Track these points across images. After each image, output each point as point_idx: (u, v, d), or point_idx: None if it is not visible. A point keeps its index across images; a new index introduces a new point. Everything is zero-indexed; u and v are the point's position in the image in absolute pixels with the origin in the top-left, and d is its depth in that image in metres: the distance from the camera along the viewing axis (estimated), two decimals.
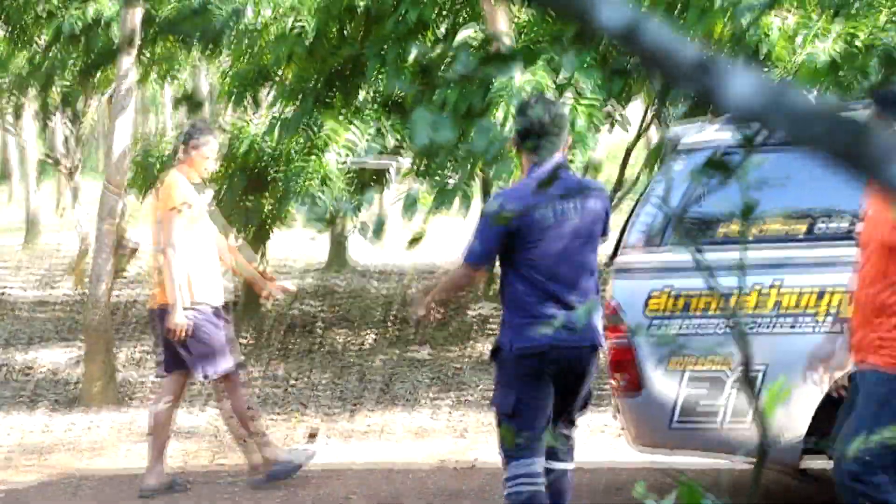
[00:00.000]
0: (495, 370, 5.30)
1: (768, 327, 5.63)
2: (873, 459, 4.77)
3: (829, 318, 5.56)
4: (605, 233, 5.37)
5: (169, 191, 7.03)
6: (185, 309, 6.89)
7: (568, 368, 5.20)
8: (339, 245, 20.35)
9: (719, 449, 5.86)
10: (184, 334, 6.88)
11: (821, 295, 5.59)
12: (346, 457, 7.99)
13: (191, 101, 3.73)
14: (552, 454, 5.35)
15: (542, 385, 5.18)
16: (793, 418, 5.62)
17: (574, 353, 5.18)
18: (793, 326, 5.61)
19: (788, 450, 5.65)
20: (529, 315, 5.12)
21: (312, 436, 8.52)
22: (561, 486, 5.39)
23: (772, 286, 5.66)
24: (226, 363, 7.05)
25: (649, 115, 11.99)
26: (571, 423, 5.44)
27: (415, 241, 3.04)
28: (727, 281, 5.67)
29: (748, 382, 2.68)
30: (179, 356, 6.99)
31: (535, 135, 5.17)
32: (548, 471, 5.26)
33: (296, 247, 21.66)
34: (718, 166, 2.83)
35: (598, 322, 5.39)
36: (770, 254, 5.66)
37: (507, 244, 5.17)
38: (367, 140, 11.45)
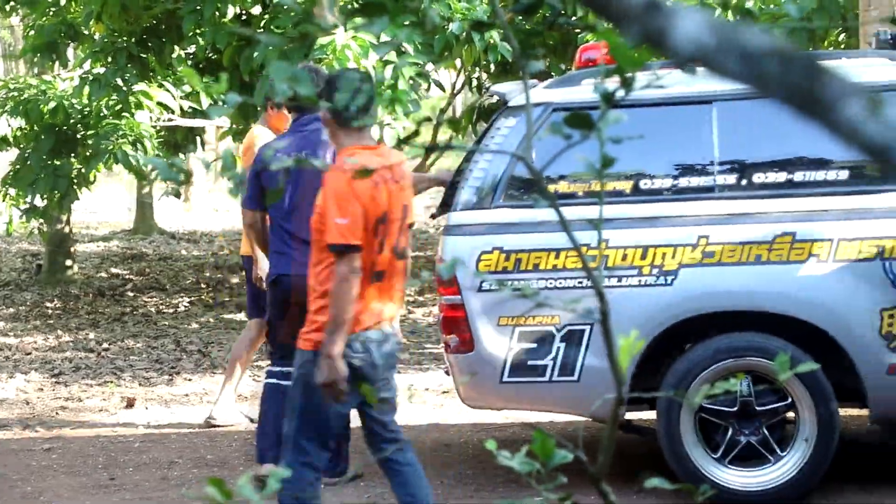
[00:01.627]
0: None
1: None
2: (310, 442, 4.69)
3: (655, 273, 5.69)
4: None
5: (250, 147, 7.04)
6: None
7: (299, 298, 5.43)
8: (145, 209, 19.92)
9: (548, 405, 5.96)
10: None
11: (645, 251, 5.71)
12: (167, 423, 7.84)
13: None
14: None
15: (285, 309, 5.96)
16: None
17: (302, 282, 5.14)
18: (619, 281, 5.72)
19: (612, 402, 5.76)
20: (274, 250, 6.08)
21: (130, 404, 8.34)
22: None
23: (600, 243, 5.75)
24: None
25: (461, 79, 12.06)
26: None
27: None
28: (555, 237, 5.78)
29: (607, 336, 2.72)
30: (259, 303, 6.90)
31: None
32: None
33: (99, 210, 21.15)
34: (580, 122, 2.86)
35: None
36: (598, 211, 5.76)
37: (260, 186, 6.03)
38: (179, 100, 11.23)
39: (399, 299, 4.85)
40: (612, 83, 2.67)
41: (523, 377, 5.78)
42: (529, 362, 5.77)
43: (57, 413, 8.16)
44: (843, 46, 10.55)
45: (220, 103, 10.56)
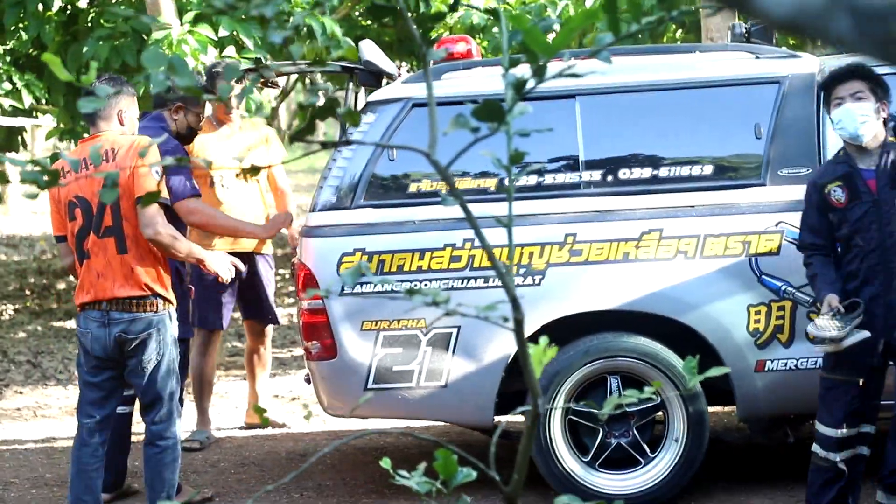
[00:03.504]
0: None
1: (462, 283, 5.54)
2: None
3: (522, 273, 5.54)
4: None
5: None
6: None
7: None
8: None
9: (415, 412, 5.75)
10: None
11: (512, 251, 5.55)
12: (0, 439, 7.38)
13: None
14: None
15: None
16: (485, 377, 5.57)
17: None
18: (486, 282, 5.55)
19: (483, 409, 5.60)
20: None
21: None
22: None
23: (466, 242, 5.58)
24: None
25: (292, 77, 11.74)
26: None
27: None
28: (419, 238, 5.58)
29: (521, 345, 2.52)
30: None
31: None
32: None
33: None
34: (490, 114, 2.65)
35: None
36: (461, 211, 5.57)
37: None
38: None
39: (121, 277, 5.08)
40: (522, 72, 2.48)
41: (389, 383, 5.56)
42: (395, 368, 5.56)
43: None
44: (680, 41, 10.59)
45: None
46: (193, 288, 6.03)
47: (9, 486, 6.40)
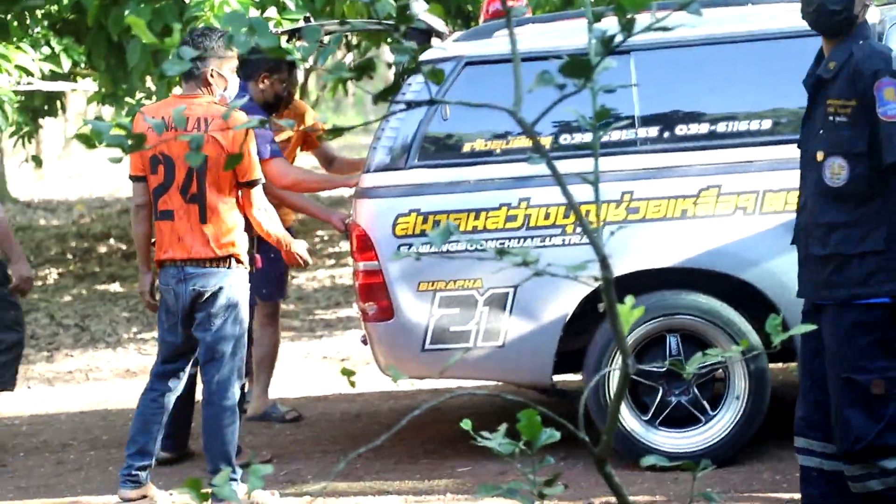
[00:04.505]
0: None
1: (519, 243, 5.51)
2: None
3: (579, 232, 5.50)
4: None
5: None
6: None
7: None
8: None
9: (471, 373, 5.75)
10: None
11: (568, 210, 5.51)
12: (54, 403, 7.42)
13: None
14: None
15: None
16: (543, 337, 5.55)
17: None
18: (543, 241, 5.51)
19: (541, 369, 5.58)
20: None
21: None
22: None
23: (521, 202, 5.54)
24: None
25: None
26: None
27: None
28: (474, 197, 5.55)
29: (611, 306, 2.49)
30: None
31: None
32: None
33: None
34: (578, 69, 2.60)
35: None
36: (516, 170, 5.54)
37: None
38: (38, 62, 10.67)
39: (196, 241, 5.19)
40: (610, 27, 2.44)
41: (446, 344, 5.55)
42: (452, 329, 5.54)
43: None
44: None
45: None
46: (260, 257, 5.94)
47: (67, 447, 6.44)
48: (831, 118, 4.20)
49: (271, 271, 6.38)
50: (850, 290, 4.20)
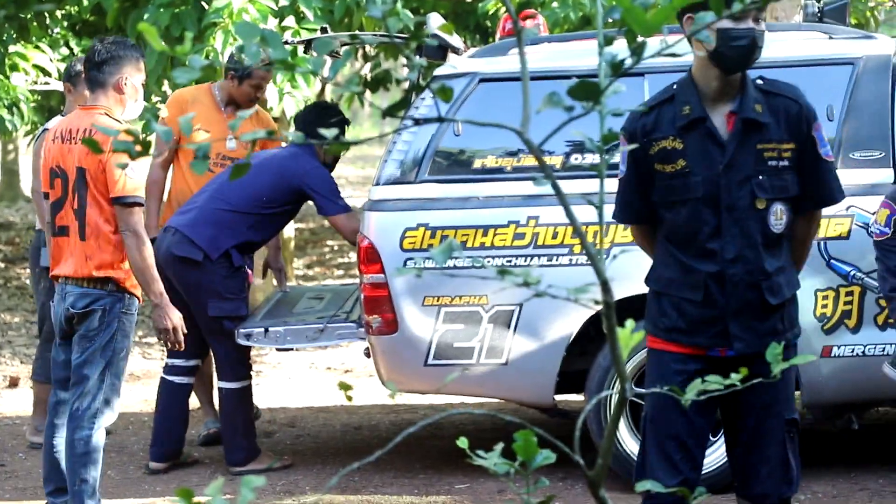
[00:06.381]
0: None
1: (526, 261, 5.50)
2: None
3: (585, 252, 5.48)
4: None
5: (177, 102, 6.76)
6: None
7: None
8: (11, 175, 19.18)
9: (474, 389, 5.73)
10: None
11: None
12: None
13: None
14: None
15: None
16: (546, 356, 5.53)
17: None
18: (550, 261, 5.50)
19: (543, 388, 5.56)
20: None
21: (13, 383, 7.90)
22: None
23: (529, 220, 5.53)
24: None
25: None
26: None
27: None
28: (483, 214, 5.54)
29: (611, 330, 2.47)
30: None
31: None
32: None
33: None
34: (586, 92, 2.59)
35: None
36: (526, 188, 5.53)
37: None
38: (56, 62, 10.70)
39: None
40: (619, 51, 2.42)
41: (449, 360, 5.53)
42: (456, 344, 5.52)
43: None
44: None
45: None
46: (251, 273, 5.86)
47: None
48: (773, 162, 3.91)
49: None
50: (793, 331, 4.07)
